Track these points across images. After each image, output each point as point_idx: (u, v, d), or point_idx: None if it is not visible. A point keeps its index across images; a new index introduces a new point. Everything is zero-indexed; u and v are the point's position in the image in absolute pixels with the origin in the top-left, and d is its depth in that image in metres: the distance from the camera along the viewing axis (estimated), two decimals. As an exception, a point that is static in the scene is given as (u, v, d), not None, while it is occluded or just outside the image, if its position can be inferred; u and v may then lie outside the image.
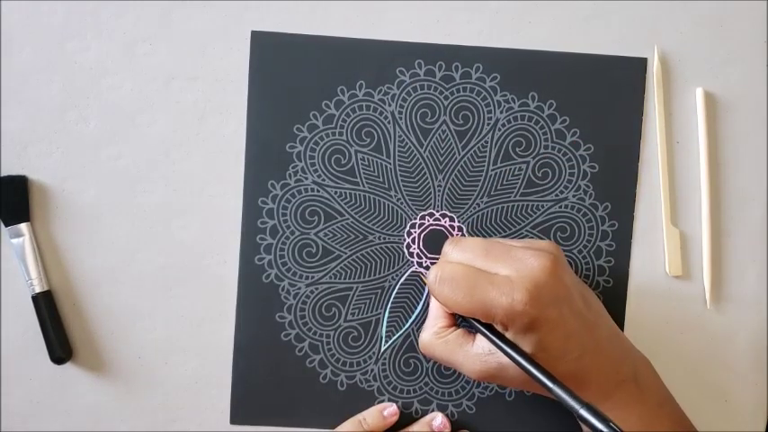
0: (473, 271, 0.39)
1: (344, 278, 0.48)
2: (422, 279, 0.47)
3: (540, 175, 0.48)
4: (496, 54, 0.47)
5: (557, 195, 0.48)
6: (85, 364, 0.47)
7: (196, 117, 0.48)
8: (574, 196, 0.48)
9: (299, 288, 0.48)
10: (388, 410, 0.46)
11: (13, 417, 0.47)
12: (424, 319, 0.46)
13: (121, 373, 0.47)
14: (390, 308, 0.48)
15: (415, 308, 0.48)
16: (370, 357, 0.48)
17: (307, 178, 0.48)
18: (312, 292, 0.48)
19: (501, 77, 0.47)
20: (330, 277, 0.48)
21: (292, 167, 0.48)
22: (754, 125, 0.48)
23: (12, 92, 0.47)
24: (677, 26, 0.48)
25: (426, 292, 0.47)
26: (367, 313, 0.48)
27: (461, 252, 0.41)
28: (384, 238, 0.48)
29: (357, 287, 0.48)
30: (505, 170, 0.48)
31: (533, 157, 0.48)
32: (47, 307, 0.46)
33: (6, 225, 0.47)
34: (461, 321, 0.43)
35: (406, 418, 0.47)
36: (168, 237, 0.48)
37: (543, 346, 0.38)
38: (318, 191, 0.48)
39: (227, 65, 0.47)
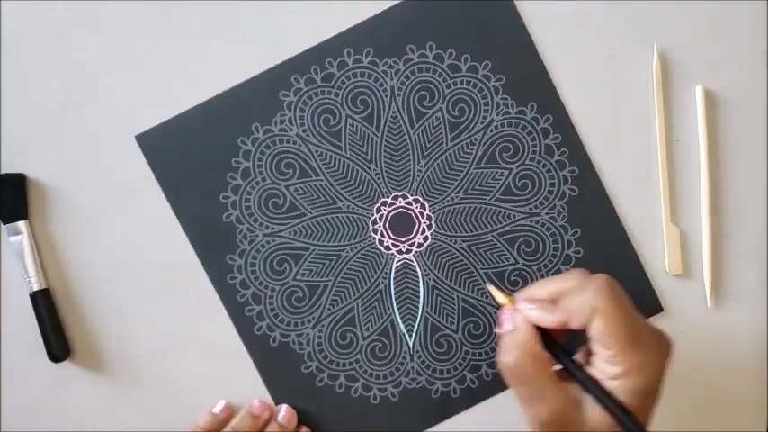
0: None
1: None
2: (493, 294, 0.41)
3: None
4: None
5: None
6: (84, 362, 0.47)
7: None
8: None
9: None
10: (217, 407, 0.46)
11: (11, 415, 0.47)
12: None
13: (120, 372, 0.47)
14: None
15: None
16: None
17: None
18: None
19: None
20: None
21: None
22: (755, 124, 0.48)
23: (11, 91, 0.47)
24: (677, 25, 0.48)
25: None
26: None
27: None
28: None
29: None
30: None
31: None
32: (45, 305, 0.46)
33: (5, 223, 0.46)
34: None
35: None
36: (167, 236, 0.47)
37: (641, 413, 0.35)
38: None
39: (227, 64, 0.47)
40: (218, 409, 0.46)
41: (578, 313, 0.35)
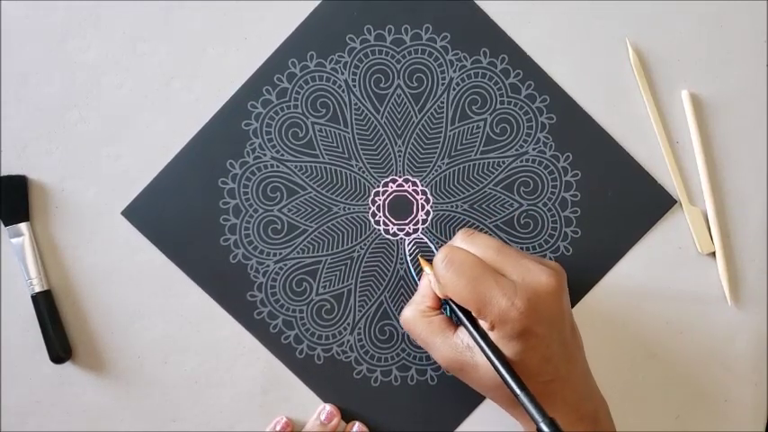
0: (482, 264, 0.39)
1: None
2: (420, 262, 0.46)
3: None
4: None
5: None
6: (85, 363, 0.47)
7: (195, 117, 0.47)
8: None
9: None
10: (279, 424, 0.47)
11: (12, 416, 0.47)
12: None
13: (121, 372, 0.47)
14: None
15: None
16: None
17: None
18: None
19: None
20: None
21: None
22: (754, 125, 0.48)
23: (12, 91, 0.47)
24: (676, 26, 0.48)
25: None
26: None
27: (473, 246, 0.40)
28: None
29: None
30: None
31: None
32: (46, 306, 0.46)
33: (6, 225, 0.46)
34: (446, 309, 0.42)
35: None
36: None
37: (521, 358, 0.37)
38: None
39: (227, 64, 0.47)
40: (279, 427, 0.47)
41: (436, 286, 0.41)
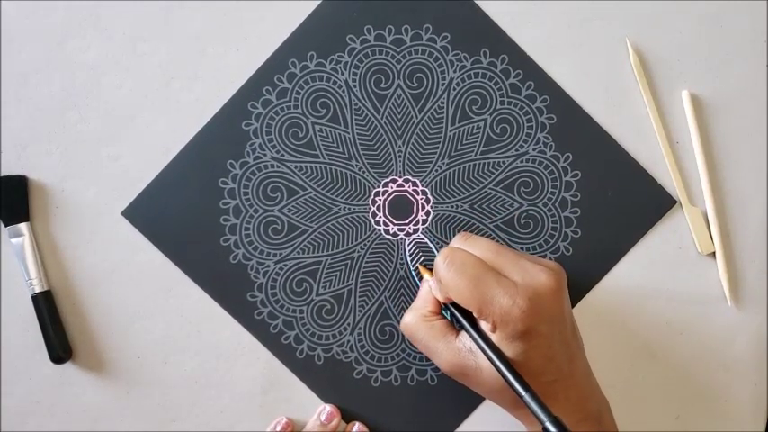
0: (483, 264, 0.39)
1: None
2: (419, 270, 0.46)
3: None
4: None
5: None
6: (85, 363, 0.47)
7: (195, 117, 0.47)
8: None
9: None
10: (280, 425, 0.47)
11: (12, 416, 0.47)
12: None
13: (121, 372, 0.47)
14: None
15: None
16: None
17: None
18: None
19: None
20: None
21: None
22: (754, 125, 0.48)
23: (12, 92, 0.47)
24: (676, 26, 0.48)
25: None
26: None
27: (472, 248, 0.40)
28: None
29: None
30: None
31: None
32: (46, 307, 0.46)
33: (6, 225, 0.46)
34: (447, 314, 0.42)
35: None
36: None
37: (524, 358, 0.38)
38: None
39: (227, 65, 0.47)
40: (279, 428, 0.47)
41: (437, 290, 0.41)
